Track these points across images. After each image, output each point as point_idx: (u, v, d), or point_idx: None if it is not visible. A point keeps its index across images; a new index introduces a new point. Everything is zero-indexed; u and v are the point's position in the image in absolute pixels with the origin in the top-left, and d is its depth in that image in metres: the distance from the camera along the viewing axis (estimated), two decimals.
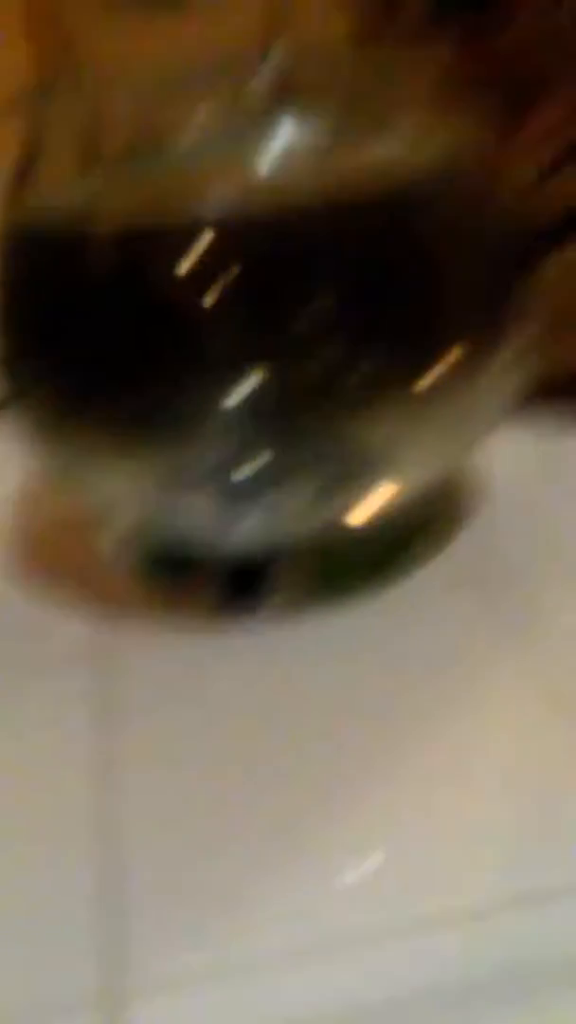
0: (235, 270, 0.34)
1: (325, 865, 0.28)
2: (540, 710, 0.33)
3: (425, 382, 0.35)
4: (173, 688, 0.36)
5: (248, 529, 0.38)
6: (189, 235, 0.34)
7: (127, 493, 0.39)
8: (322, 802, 0.30)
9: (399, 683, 0.35)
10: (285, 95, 0.37)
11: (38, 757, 0.34)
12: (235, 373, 0.34)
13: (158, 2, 0.71)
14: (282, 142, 0.35)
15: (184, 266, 0.34)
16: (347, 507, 0.37)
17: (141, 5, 0.70)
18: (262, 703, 0.35)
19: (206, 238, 0.34)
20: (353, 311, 0.34)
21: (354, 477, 0.37)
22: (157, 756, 0.33)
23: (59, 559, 0.46)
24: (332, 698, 0.35)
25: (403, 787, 0.30)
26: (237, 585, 0.39)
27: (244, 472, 0.36)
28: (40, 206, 0.39)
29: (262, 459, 0.36)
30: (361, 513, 0.37)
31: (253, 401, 0.34)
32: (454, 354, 0.36)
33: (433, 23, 0.43)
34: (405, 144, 0.37)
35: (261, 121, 0.36)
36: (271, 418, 0.35)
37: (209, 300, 0.34)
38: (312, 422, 0.35)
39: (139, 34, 0.72)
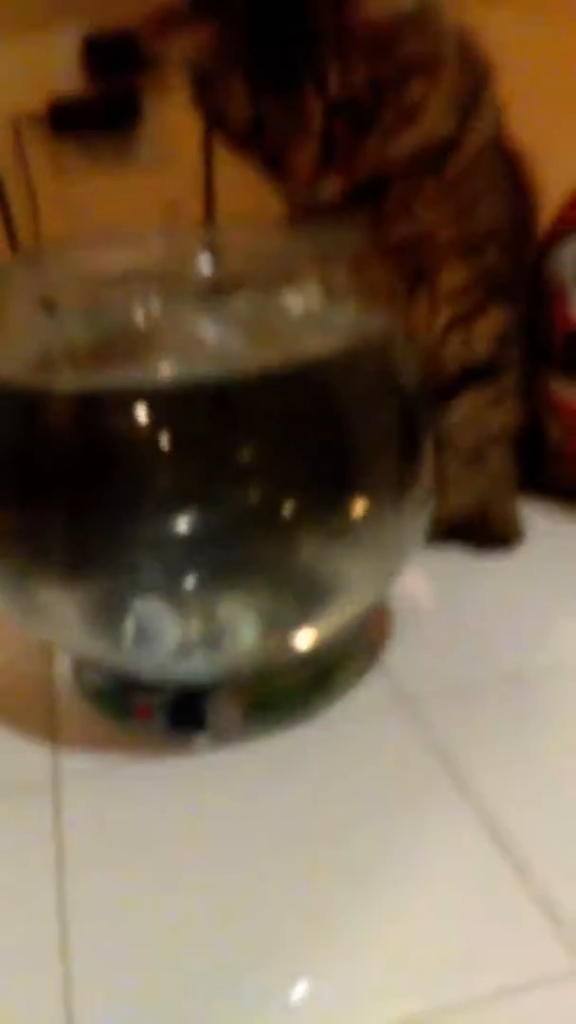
0: (174, 427, 0.38)
1: (270, 985, 0.31)
2: (473, 834, 0.36)
3: (345, 518, 0.40)
4: (122, 816, 0.39)
5: (191, 660, 0.42)
6: (136, 395, 0.39)
7: (74, 623, 0.42)
8: (268, 923, 0.33)
9: (337, 804, 0.39)
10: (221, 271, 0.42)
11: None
12: (171, 513, 0.38)
13: (107, 159, 0.78)
14: (217, 319, 0.41)
15: (131, 422, 0.39)
16: (287, 636, 0.41)
17: (91, 161, 0.77)
18: (205, 825, 0.38)
19: (152, 398, 0.39)
20: (277, 461, 0.39)
21: (294, 606, 0.41)
22: (109, 876, 0.36)
23: (15, 683, 0.49)
24: (272, 820, 0.38)
25: (337, 906, 0.34)
26: (180, 713, 0.43)
27: (186, 605, 0.40)
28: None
29: (204, 592, 0.40)
30: (303, 640, 0.41)
31: (191, 537, 0.38)
32: (368, 494, 0.41)
33: (343, 209, 0.50)
34: (325, 315, 0.42)
35: (200, 301, 0.41)
36: (209, 552, 0.39)
37: (150, 450, 0.39)
38: (249, 553, 0.39)
39: (89, 189, 0.79)
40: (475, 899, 0.33)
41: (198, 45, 0.48)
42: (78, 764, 0.42)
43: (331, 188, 0.49)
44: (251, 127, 0.49)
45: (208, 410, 0.39)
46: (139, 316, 0.40)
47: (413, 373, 0.43)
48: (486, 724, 0.42)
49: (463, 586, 0.53)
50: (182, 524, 0.38)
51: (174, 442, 0.38)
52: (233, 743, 0.42)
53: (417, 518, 0.42)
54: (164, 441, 0.38)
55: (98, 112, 0.73)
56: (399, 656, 0.47)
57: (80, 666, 0.47)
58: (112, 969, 0.32)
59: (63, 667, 0.49)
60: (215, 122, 0.51)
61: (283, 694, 0.43)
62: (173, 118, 0.59)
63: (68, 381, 0.41)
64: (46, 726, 0.45)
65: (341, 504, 0.40)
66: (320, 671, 0.44)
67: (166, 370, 0.41)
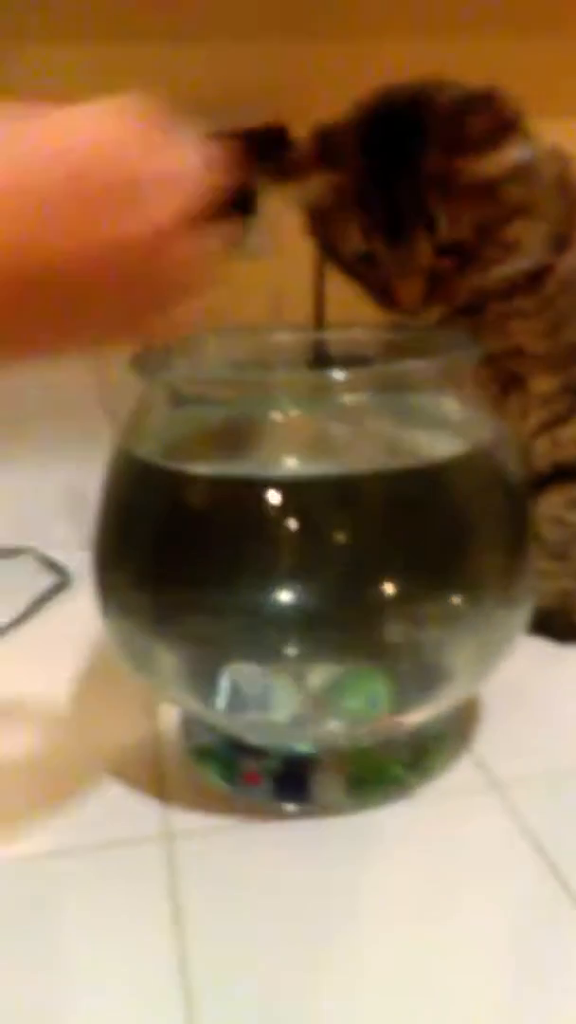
0: (297, 514, 0.42)
1: None
2: (562, 909, 0.39)
3: (456, 607, 0.44)
4: (234, 876, 0.42)
5: (302, 729, 0.45)
6: (266, 485, 0.43)
7: (191, 682, 0.46)
8: (365, 989, 0.36)
9: (430, 882, 0.41)
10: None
11: (117, 943, 0.39)
12: (291, 589, 0.42)
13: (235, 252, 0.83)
14: (341, 415, 0.45)
15: (257, 506, 0.42)
16: (397, 716, 0.44)
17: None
18: (311, 890, 0.41)
19: (283, 488, 0.42)
20: (396, 551, 0.43)
21: (406, 688, 0.44)
22: (225, 934, 0.38)
23: (125, 739, 0.52)
24: (371, 892, 0.41)
25: (428, 982, 0.36)
26: (285, 781, 0.46)
27: (300, 676, 0.44)
28: (144, 441, 0.47)
29: (320, 665, 0.44)
30: (410, 720, 0.44)
31: (308, 614, 0.42)
32: (477, 584, 0.44)
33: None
34: (442, 415, 0.46)
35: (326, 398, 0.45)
36: (325, 629, 0.43)
37: (273, 533, 0.42)
38: (363, 636, 0.43)
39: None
40: (568, 978, 0.36)
41: (317, 191, 0.54)
42: (188, 822, 0.45)
43: (434, 316, 0.54)
44: (362, 261, 0.54)
45: (332, 503, 0.43)
46: (266, 410, 0.44)
47: (517, 471, 0.46)
48: (573, 809, 0.45)
49: (548, 674, 0.56)
50: (300, 601, 0.42)
51: (295, 528, 0.42)
52: (334, 814, 0.45)
53: (521, 607, 0.45)
54: (286, 527, 0.42)
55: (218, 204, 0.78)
56: (488, 740, 0.50)
57: (188, 725, 0.51)
58: (233, 999, 0.35)
59: (170, 724, 0.52)
60: (327, 253, 0.56)
61: (382, 771, 0.46)
62: (285, 216, 0.63)
63: (201, 467, 0.45)
64: (155, 783, 0.48)
65: (452, 593, 0.44)
66: (416, 751, 0.47)
67: (291, 462, 0.45)
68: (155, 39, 0.78)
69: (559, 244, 0.55)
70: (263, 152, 0.79)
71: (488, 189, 0.50)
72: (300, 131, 0.80)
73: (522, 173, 0.51)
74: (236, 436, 0.46)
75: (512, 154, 0.50)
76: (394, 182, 0.51)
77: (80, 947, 0.39)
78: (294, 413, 0.45)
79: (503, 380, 0.56)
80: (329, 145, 0.53)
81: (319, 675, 0.44)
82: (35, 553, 0.78)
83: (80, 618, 0.65)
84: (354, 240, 0.53)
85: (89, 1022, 0.35)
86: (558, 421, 0.57)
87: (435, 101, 0.51)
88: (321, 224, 0.55)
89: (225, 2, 0.79)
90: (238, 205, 0.74)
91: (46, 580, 0.74)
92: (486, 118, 0.50)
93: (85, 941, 0.39)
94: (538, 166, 0.52)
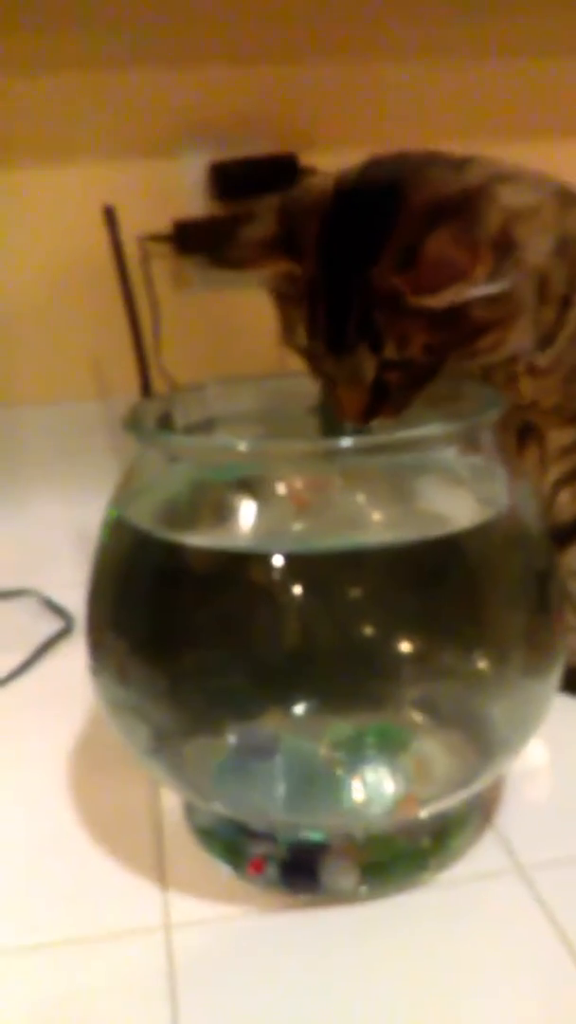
0: (307, 587, 0.39)
1: None
2: None
3: (483, 677, 0.41)
4: (235, 970, 0.39)
5: (311, 814, 0.42)
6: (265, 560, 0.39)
7: (195, 763, 0.43)
8: None
9: (452, 973, 0.38)
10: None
11: None
12: (298, 667, 0.39)
13: (223, 281, 0.81)
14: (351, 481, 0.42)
15: (263, 578, 0.39)
16: (419, 801, 0.41)
17: (209, 284, 0.79)
18: (320, 984, 0.38)
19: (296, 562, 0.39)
20: (416, 620, 0.40)
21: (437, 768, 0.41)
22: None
23: (124, 820, 0.49)
24: (387, 984, 0.38)
25: None
26: (294, 868, 0.42)
27: (311, 758, 0.41)
28: (137, 503, 0.44)
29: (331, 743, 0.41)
30: (436, 805, 0.41)
31: (320, 691, 0.39)
32: (504, 652, 0.41)
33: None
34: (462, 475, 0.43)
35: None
36: (337, 706, 0.39)
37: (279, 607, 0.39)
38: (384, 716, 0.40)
39: (208, 303, 0.82)
40: None
41: (273, 277, 0.48)
42: (189, 911, 0.42)
43: (380, 425, 0.47)
44: (309, 357, 0.48)
45: (337, 578, 0.40)
46: (268, 474, 0.41)
47: (540, 530, 0.43)
48: None
49: (573, 742, 0.52)
50: (306, 685, 0.39)
51: (294, 607, 0.39)
52: (346, 903, 0.41)
53: (553, 672, 0.42)
54: (284, 606, 0.39)
55: (221, 233, 0.76)
56: (512, 818, 0.46)
57: (191, 807, 0.48)
58: None
59: (171, 805, 0.49)
60: (283, 335, 0.50)
61: (399, 855, 0.43)
62: None
63: (196, 537, 0.42)
64: (155, 866, 0.45)
65: (477, 664, 0.41)
66: (436, 833, 0.44)
67: (296, 529, 0.42)
68: (155, 64, 0.76)
69: (564, 305, 0.50)
70: (272, 180, 0.76)
71: (447, 314, 0.43)
72: (307, 158, 0.78)
73: (493, 297, 0.43)
74: (236, 497, 0.43)
75: (478, 287, 0.42)
76: (346, 286, 0.44)
77: None
78: (301, 476, 0.42)
79: (519, 431, 0.53)
80: (289, 228, 0.46)
81: (336, 758, 0.41)
82: (37, 595, 0.75)
83: (84, 666, 0.62)
84: (301, 337, 0.47)
85: None
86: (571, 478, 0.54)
87: (407, 199, 0.44)
88: (278, 307, 0.49)
89: (226, 26, 0.76)
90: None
91: (48, 622, 0.71)
92: (452, 242, 0.41)
93: None
94: (512, 289, 0.44)
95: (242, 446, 0.38)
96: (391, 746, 0.41)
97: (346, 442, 0.37)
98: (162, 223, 0.76)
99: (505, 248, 0.43)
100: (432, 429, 0.39)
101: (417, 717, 0.41)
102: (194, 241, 0.74)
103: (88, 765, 0.53)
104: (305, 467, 0.41)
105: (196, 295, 0.80)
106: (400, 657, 0.39)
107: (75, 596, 0.74)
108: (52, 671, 0.65)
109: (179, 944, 0.40)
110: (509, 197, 0.45)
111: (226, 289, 0.77)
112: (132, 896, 0.43)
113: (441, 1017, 0.36)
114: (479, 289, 0.42)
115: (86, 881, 0.44)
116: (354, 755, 0.41)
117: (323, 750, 0.41)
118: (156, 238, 0.75)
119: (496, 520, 0.41)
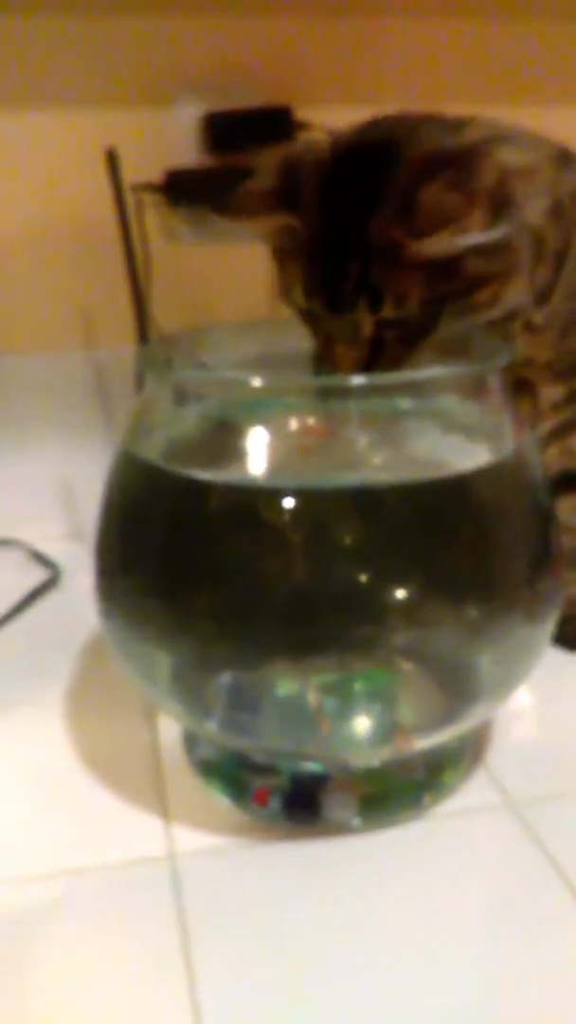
0: (315, 523, 0.40)
1: None
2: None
3: (481, 618, 0.42)
4: (242, 899, 0.40)
5: (315, 747, 0.43)
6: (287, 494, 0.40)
7: (191, 694, 0.44)
8: (380, 1012, 0.35)
9: (447, 902, 0.40)
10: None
11: (123, 972, 0.37)
12: (302, 601, 0.40)
13: (213, 234, 0.81)
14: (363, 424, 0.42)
15: (272, 516, 0.40)
16: (417, 734, 0.42)
17: (199, 237, 0.79)
18: (323, 915, 0.39)
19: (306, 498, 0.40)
20: (419, 560, 0.41)
21: (431, 704, 0.42)
22: (233, 957, 0.37)
23: (123, 754, 0.49)
24: (384, 913, 0.39)
25: (445, 1002, 0.35)
26: (296, 800, 0.44)
27: (313, 690, 0.42)
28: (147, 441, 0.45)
29: (329, 681, 0.42)
30: (435, 738, 0.43)
31: (319, 628, 0.40)
32: (504, 595, 0.42)
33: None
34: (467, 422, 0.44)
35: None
36: (335, 645, 0.40)
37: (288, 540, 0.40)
38: (383, 648, 0.41)
39: (199, 256, 0.82)
40: None
41: (272, 231, 0.47)
42: (193, 841, 0.43)
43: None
44: (306, 316, 0.48)
45: (346, 514, 0.41)
46: (277, 414, 0.41)
47: (544, 478, 0.44)
48: None
49: (561, 688, 0.54)
50: (311, 614, 0.40)
51: (303, 540, 0.40)
52: (346, 834, 0.43)
53: (547, 620, 0.43)
54: (294, 538, 0.40)
55: (214, 184, 0.75)
56: (503, 757, 0.48)
57: (192, 737, 0.49)
58: None
59: (171, 734, 0.50)
60: (281, 292, 0.50)
61: (396, 789, 0.44)
62: None
63: (207, 473, 0.42)
64: (158, 800, 0.46)
65: (474, 607, 0.42)
66: (431, 769, 0.45)
67: (303, 469, 0.43)
68: (149, 12, 0.75)
69: (559, 263, 0.51)
70: (265, 133, 0.76)
71: (444, 266, 0.43)
72: (302, 112, 0.78)
73: (489, 248, 0.44)
74: (244, 438, 0.43)
75: (474, 234, 0.43)
76: (345, 242, 0.44)
77: (84, 973, 0.37)
78: (308, 417, 0.42)
79: (512, 386, 0.54)
80: (291, 182, 0.46)
81: (329, 692, 0.42)
82: (23, 546, 0.75)
83: (72, 616, 0.63)
84: (298, 294, 0.47)
85: None
86: (567, 429, 0.55)
87: (405, 154, 0.44)
88: (277, 263, 0.49)
89: None
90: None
91: (35, 573, 0.71)
92: (447, 190, 0.42)
93: (89, 968, 0.37)
94: (509, 242, 0.45)
95: (256, 381, 0.38)
96: (381, 688, 0.42)
97: (359, 380, 0.38)
98: (153, 173, 0.75)
99: (501, 202, 0.44)
100: (441, 371, 0.40)
101: (408, 662, 0.42)
102: (186, 192, 0.74)
103: (83, 707, 0.54)
104: (315, 407, 0.41)
105: (185, 247, 0.79)
106: (396, 601, 0.40)
107: (61, 547, 0.74)
108: (40, 621, 0.65)
109: (185, 872, 0.41)
110: (507, 156, 0.46)
111: (216, 243, 0.77)
112: (136, 829, 0.44)
113: (436, 940, 0.38)
114: (475, 237, 0.43)
115: (89, 816, 0.45)
116: (344, 698, 0.42)
117: (312, 695, 0.42)
118: (149, 187, 0.74)
119: (501, 464, 0.42)
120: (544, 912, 0.39)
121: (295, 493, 0.40)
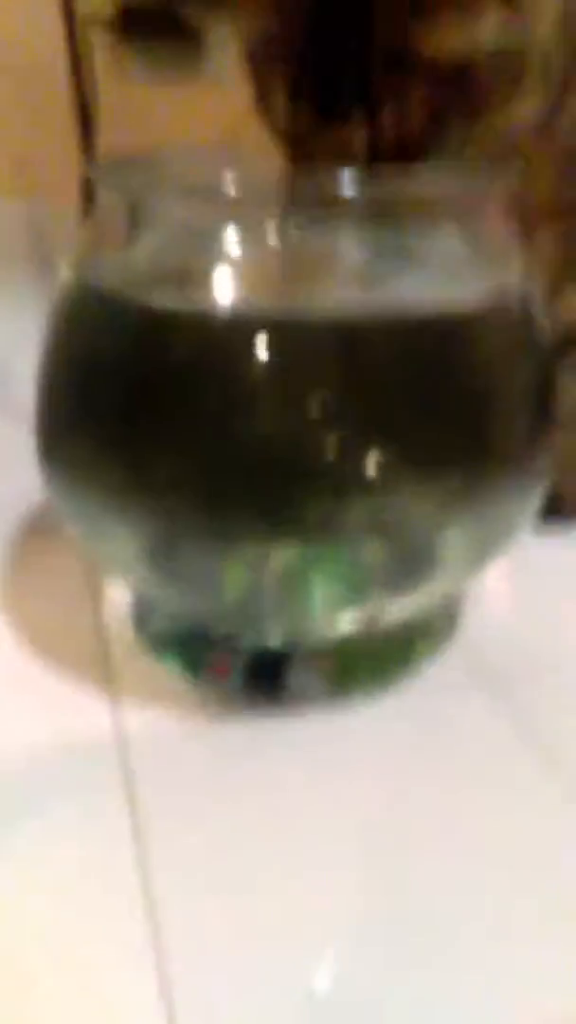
0: (277, 360, 0.35)
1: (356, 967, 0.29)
2: (553, 804, 0.35)
3: (462, 481, 0.37)
4: (198, 782, 0.37)
5: (277, 621, 0.39)
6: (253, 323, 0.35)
7: (146, 559, 0.39)
8: (345, 897, 0.31)
9: (419, 779, 0.37)
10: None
11: (74, 858, 0.34)
12: (262, 448, 0.35)
13: (172, 69, 0.73)
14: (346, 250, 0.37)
15: (236, 348, 0.35)
16: (385, 604, 0.39)
17: (155, 70, 0.72)
18: (288, 799, 0.36)
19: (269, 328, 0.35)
20: (395, 411, 0.36)
21: (401, 572, 0.38)
22: (188, 847, 0.34)
23: (65, 627, 0.45)
24: (353, 791, 0.36)
25: (418, 884, 0.32)
26: (257, 674, 0.40)
27: (275, 560, 0.38)
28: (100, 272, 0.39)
29: (285, 543, 0.37)
30: (401, 610, 0.39)
31: (283, 486, 0.36)
32: (490, 457, 0.38)
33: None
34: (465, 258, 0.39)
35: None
36: (292, 502, 0.36)
37: (251, 379, 0.35)
38: (349, 509, 0.36)
39: (151, 96, 0.74)
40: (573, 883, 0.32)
41: (252, 32, 0.42)
42: (143, 721, 0.39)
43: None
44: (284, 133, 0.42)
45: (316, 349, 0.36)
46: (240, 236, 0.36)
47: (546, 330, 0.40)
48: (570, 699, 0.41)
49: (542, 562, 0.51)
50: (275, 463, 0.35)
51: (272, 376, 0.35)
52: (312, 710, 0.39)
53: (536, 488, 0.40)
54: (262, 372, 0.35)
55: (167, 21, 0.68)
56: (477, 629, 0.45)
57: (143, 610, 0.44)
58: (203, 929, 0.30)
59: (118, 607, 0.46)
60: (258, 107, 0.44)
61: (365, 663, 0.41)
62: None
63: (168, 301, 0.37)
64: (102, 676, 0.42)
65: (449, 467, 0.38)
66: (402, 642, 0.42)
67: (270, 301, 0.38)
68: None
69: (562, 91, 0.46)
70: None
71: (455, 70, 0.38)
72: None
73: (500, 55, 0.39)
74: (205, 270, 0.38)
75: (490, 26, 0.38)
76: (340, 42, 0.38)
77: (30, 868, 0.33)
78: (274, 243, 0.37)
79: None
80: None
81: (283, 555, 0.38)
82: None
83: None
84: (277, 107, 0.41)
85: (50, 955, 0.30)
86: (560, 284, 0.51)
87: None
88: (252, 71, 0.43)
89: None
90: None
91: None
92: None
93: (35, 860, 0.33)
94: (524, 44, 0.41)
95: (230, 189, 0.33)
96: (351, 554, 0.38)
97: (348, 190, 0.33)
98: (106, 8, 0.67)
99: (512, 4, 0.38)
100: (427, 186, 0.35)
101: (382, 530, 0.38)
102: (139, 27, 0.66)
103: (19, 574, 0.49)
104: (291, 230, 0.36)
105: (136, 88, 0.72)
106: (375, 459, 0.36)
107: None
108: None
109: (135, 752, 0.37)
110: None
111: (171, 83, 0.70)
112: (80, 708, 0.40)
113: (410, 831, 0.35)
114: (498, 24, 0.37)
115: (29, 693, 0.41)
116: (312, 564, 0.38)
117: (276, 558, 0.38)
118: (100, 22, 0.67)
119: (501, 308, 0.38)
120: (518, 784, 0.36)
121: (262, 325, 0.35)
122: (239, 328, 0.35)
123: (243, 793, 0.36)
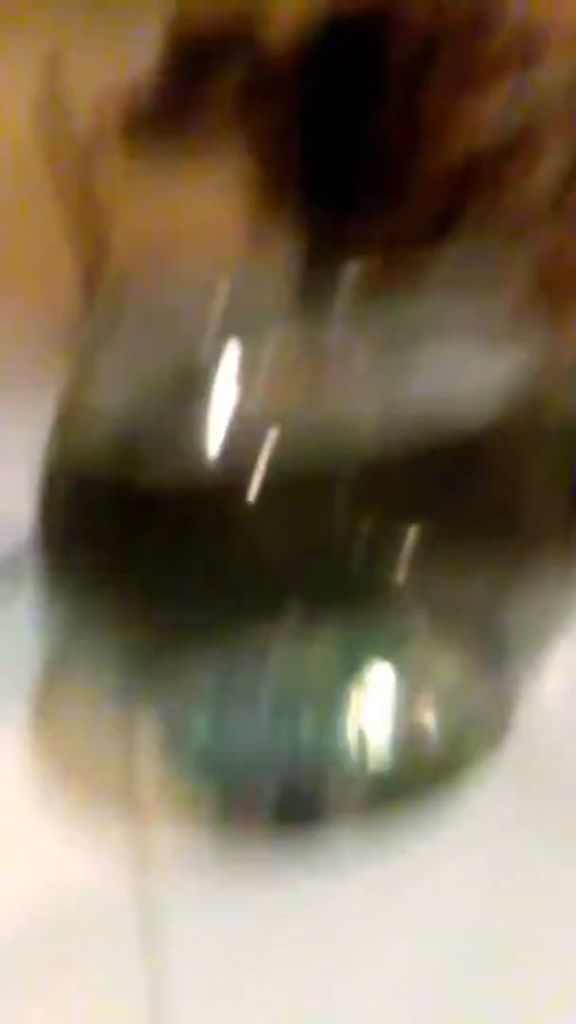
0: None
1: None
2: None
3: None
4: (227, 939, 0.33)
5: (306, 747, 0.36)
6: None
7: (175, 697, 0.37)
8: None
9: (463, 923, 0.33)
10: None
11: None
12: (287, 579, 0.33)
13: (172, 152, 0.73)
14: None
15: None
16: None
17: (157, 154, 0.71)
18: (323, 951, 0.32)
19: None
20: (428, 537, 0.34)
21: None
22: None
23: (89, 763, 0.43)
24: (393, 942, 0.33)
25: None
26: (290, 808, 0.37)
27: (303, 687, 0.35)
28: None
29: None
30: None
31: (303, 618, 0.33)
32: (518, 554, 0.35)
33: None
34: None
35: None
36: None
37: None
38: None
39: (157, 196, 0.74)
40: None
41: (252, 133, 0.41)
42: (168, 871, 0.36)
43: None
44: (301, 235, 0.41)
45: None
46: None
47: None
48: None
49: None
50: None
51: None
52: (344, 845, 0.36)
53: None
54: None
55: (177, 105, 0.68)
56: (524, 746, 0.41)
57: (171, 744, 0.42)
58: None
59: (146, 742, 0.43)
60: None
61: (403, 794, 0.38)
62: None
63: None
64: (131, 818, 0.39)
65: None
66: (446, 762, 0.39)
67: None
68: None
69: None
70: (225, 57, 0.68)
71: (465, 170, 0.37)
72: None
73: (517, 122, 0.38)
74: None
75: (499, 103, 0.37)
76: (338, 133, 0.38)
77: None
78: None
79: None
80: (262, 77, 0.41)
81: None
82: None
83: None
84: (288, 204, 0.41)
85: None
86: None
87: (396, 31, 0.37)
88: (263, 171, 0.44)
89: None
90: None
91: None
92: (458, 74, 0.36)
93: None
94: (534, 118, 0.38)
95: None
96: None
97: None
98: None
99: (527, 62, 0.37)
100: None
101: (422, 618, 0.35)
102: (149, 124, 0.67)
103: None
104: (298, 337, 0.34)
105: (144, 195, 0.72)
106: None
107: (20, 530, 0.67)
108: None
109: (157, 894, 0.35)
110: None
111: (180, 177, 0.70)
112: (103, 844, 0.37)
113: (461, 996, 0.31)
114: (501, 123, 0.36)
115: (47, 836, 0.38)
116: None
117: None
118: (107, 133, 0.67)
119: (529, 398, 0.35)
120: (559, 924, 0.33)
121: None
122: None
123: (270, 939, 0.33)
